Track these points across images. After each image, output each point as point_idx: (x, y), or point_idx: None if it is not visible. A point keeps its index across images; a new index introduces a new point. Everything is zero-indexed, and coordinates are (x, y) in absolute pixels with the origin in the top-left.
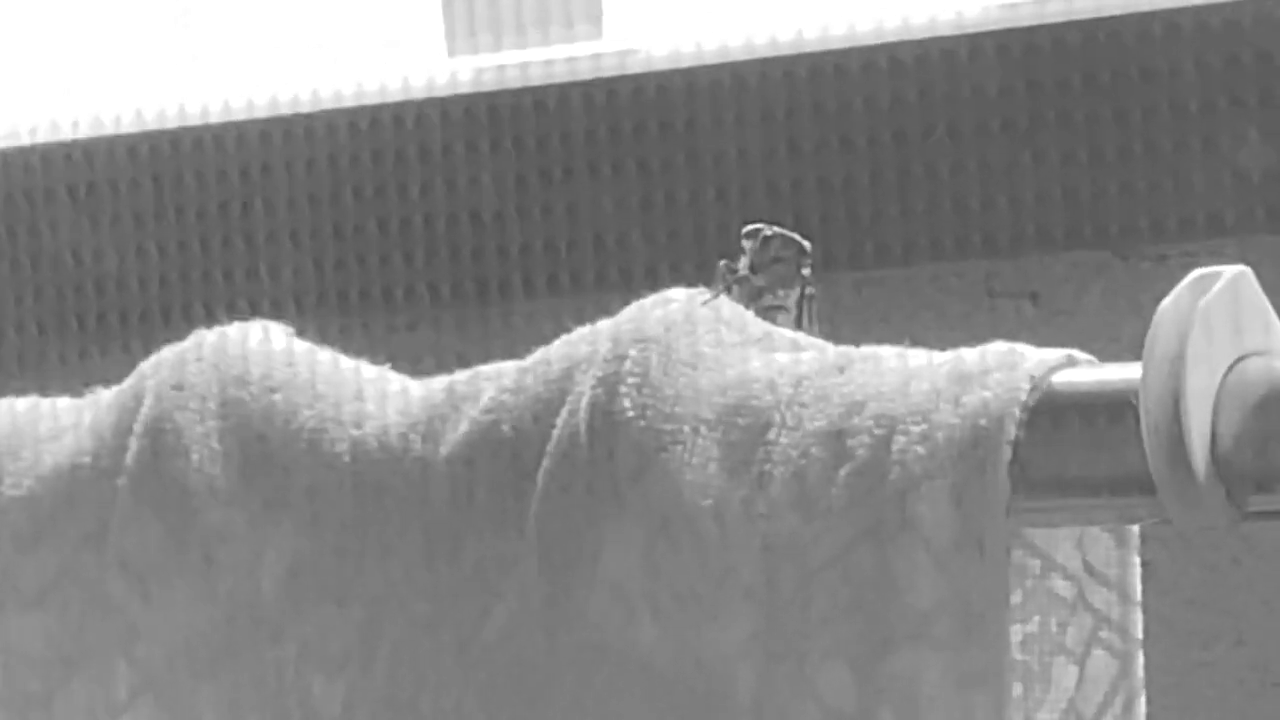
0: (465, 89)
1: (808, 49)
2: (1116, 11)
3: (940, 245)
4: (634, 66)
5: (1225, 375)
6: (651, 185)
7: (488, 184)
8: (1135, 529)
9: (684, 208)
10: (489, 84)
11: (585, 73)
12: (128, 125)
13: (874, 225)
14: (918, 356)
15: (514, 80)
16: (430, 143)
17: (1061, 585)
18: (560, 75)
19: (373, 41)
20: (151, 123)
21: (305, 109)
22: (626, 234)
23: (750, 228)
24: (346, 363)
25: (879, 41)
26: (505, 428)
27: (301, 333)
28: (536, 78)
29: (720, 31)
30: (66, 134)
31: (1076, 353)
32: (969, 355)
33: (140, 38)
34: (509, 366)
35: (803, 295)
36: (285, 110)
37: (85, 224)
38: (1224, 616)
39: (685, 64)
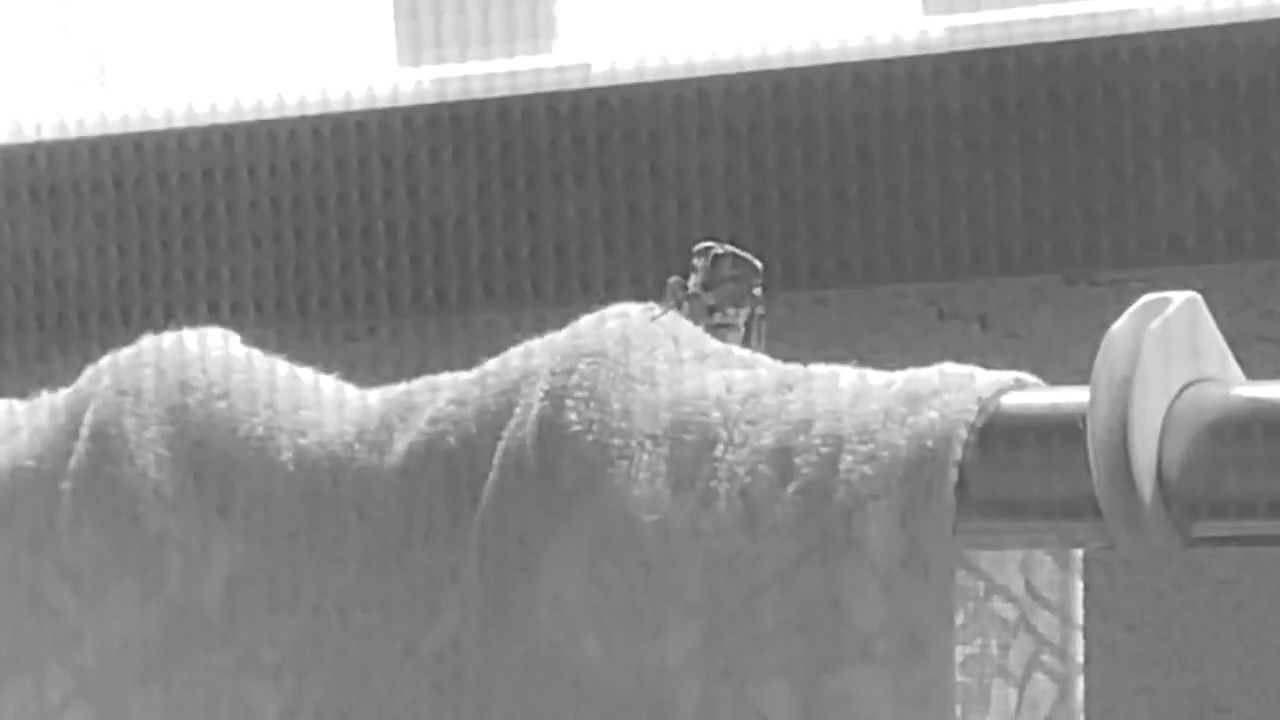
0: (414, 100)
1: (761, 66)
2: (1081, 35)
3: (892, 266)
4: (585, 81)
5: (1173, 401)
6: (602, 202)
7: (441, 194)
8: (1079, 553)
9: (636, 224)
10: (438, 95)
11: (536, 86)
12: (91, 128)
13: (825, 245)
14: (866, 376)
15: (463, 92)
16: (384, 152)
17: (1004, 608)
18: (510, 88)
19: (324, 51)
20: (113, 126)
21: (261, 116)
22: (582, 247)
23: (701, 245)
24: (296, 372)
25: (835, 61)
26: (451, 439)
27: (261, 339)
28: (486, 90)
29: (674, 47)
30: (29, 135)
31: (1025, 375)
32: (917, 376)
33: (99, 42)
34: (458, 378)
35: (752, 314)
36: (248, 116)
37: (46, 225)
38: (1165, 642)
39: (637, 79)
